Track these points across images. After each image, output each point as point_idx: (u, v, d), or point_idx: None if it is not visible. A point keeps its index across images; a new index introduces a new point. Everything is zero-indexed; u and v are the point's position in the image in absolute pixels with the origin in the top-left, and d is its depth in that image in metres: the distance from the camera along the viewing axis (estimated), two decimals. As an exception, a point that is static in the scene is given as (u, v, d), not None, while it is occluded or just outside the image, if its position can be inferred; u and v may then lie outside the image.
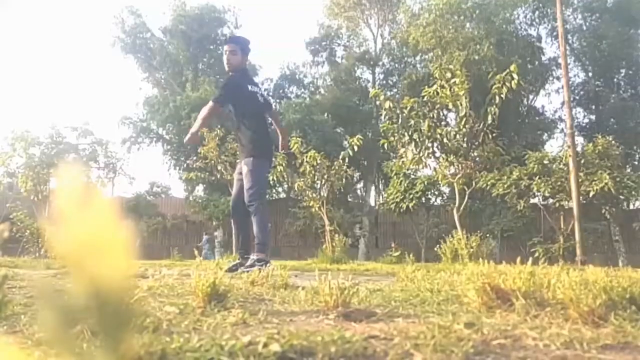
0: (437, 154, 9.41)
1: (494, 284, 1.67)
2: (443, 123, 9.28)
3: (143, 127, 24.48)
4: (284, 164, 11.72)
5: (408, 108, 9.08)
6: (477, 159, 9.31)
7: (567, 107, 10.10)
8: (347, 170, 11.40)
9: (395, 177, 18.63)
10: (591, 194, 11.54)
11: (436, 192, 19.19)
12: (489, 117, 8.69)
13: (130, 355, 0.81)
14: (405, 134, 9.21)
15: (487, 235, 10.92)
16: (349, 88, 25.16)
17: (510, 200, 13.53)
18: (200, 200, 22.12)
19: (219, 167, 14.74)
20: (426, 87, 9.27)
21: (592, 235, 16.06)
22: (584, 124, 24.33)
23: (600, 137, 12.48)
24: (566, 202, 11.80)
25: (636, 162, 22.24)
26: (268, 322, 1.48)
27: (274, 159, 5.11)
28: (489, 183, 12.42)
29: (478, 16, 21.03)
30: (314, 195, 11.42)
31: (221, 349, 1.01)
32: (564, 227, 12.28)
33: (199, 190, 24.06)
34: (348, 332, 1.21)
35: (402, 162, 10.37)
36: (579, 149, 12.62)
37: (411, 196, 18.11)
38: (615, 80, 24.01)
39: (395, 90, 25.01)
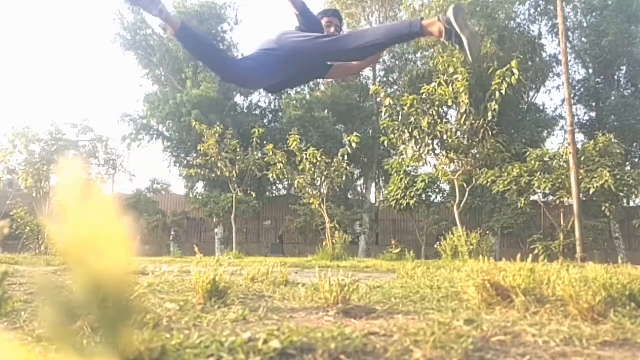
0: (438, 151, 9.42)
1: (494, 281, 1.67)
2: (444, 120, 9.28)
3: (143, 124, 24.47)
4: (283, 162, 11.73)
5: (408, 105, 9.07)
6: (478, 156, 9.31)
7: (567, 104, 10.10)
8: (347, 167, 11.40)
9: (395, 174, 18.62)
10: (591, 191, 11.54)
11: (437, 190, 19.18)
12: (489, 114, 8.69)
13: (131, 351, 0.81)
14: (406, 131, 9.21)
15: (487, 232, 10.90)
16: (349, 85, 25.11)
17: (511, 198, 13.52)
18: (200, 197, 22.14)
19: (219, 165, 14.75)
20: (425, 84, 9.26)
21: (592, 233, 16.07)
22: (584, 121, 24.30)
23: (600, 134, 12.47)
24: (566, 199, 11.80)
25: (636, 160, 22.20)
26: (268, 318, 1.48)
27: None
28: (489, 180, 12.41)
29: (479, 13, 20.99)
30: (314, 192, 11.42)
31: (221, 345, 1.01)
32: (564, 224, 12.28)
33: (199, 187, 24.08)
34: (348, 328, 1.22)
35: (403, 159, 10.38)
36: (579, 146, 12.61)
37: (412, 193, 18.10)
38: (616, 77, 23.97)
39: (396, 87, 24.96)
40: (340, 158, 11.23)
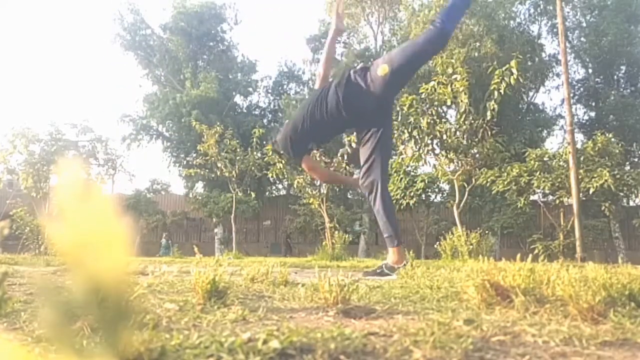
0: (437, 151, 9.42)
1: (494, 281, 1.67)
2: (443, 120, 9.28)
3: (143, 124, 24.52)
4: (283, 161, 11.72)
5: (407, 105, 9.07)
6: (477, 155, 9.31)
7: (567, 104, 10.10)
8: (347, 167, 11.40)
9: (395, 174, 18.63)
10: (591, 190, 11.55)
11: (436, 189, 19.20)
12: (489, 113, 8.69)
13: (130, 351, 0.81)
14: (405, 131, 9.21)
15: (487, 232, 10.91)
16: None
17: (510, 197, 13.52)
18: (200, 197, 22.14)
19: (219, 164, 14.76)
20: (424, 84, 9.26)
21: (592, 232, 16.09)
22: (583, 121, 24.35)
23: (600, 134, 12.48)
24: (566, 199, 11.81)
25: (636, 159, 22.24)
26: (268, 318, 1.48)
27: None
28: (488, 180, 12.41)
29: (479, 13, 21.00)
30: (314, 192, 11.42)
31: (221, 345, 1.01)
32: (563, 223, 12.29)
33: (199, 187, 24.09)
34: (347, 328, 1.22)
35: (402, 159, 10.38)
36: (578, 145, 12.62)
37: (411, 193, 18.12)
38: (615, 77, 24.01)
39: (395, 87, 24.95)
40: (340, 158, 11.22)
